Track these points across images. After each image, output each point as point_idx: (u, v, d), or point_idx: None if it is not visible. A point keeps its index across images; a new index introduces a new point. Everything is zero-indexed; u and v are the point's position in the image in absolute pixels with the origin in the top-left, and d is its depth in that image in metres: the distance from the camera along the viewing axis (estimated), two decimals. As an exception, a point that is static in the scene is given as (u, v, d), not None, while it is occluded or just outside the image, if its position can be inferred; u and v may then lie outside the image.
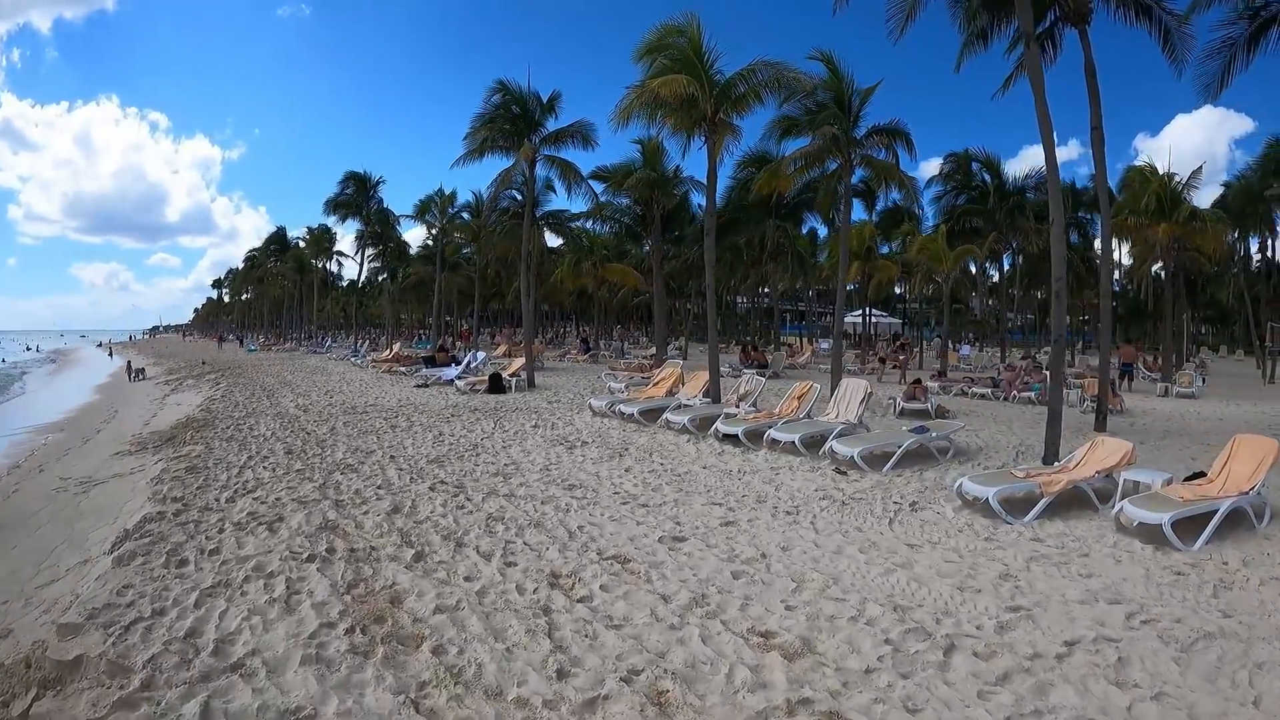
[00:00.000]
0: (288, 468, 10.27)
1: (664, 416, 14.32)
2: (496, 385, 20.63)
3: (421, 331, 70.03)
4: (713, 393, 16.40)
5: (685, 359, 32.45)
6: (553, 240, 40.82)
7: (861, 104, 20.07)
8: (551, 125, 22.47)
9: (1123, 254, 43.93)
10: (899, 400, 16.95)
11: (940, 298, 41.61)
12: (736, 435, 12.51)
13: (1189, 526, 7.15)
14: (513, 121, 22.02)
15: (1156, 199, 29.21)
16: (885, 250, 40.05)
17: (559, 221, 35.55)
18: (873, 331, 68.57)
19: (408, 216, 37.16)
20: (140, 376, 31.28)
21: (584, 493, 9.07)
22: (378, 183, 43.44)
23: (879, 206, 38.01)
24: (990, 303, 57.79)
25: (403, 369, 26.74)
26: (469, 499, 8.57)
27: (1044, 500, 8.30)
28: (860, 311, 64.58)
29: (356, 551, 6.44)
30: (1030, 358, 32.62)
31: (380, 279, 56.75)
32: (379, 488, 9.09)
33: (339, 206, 42.87)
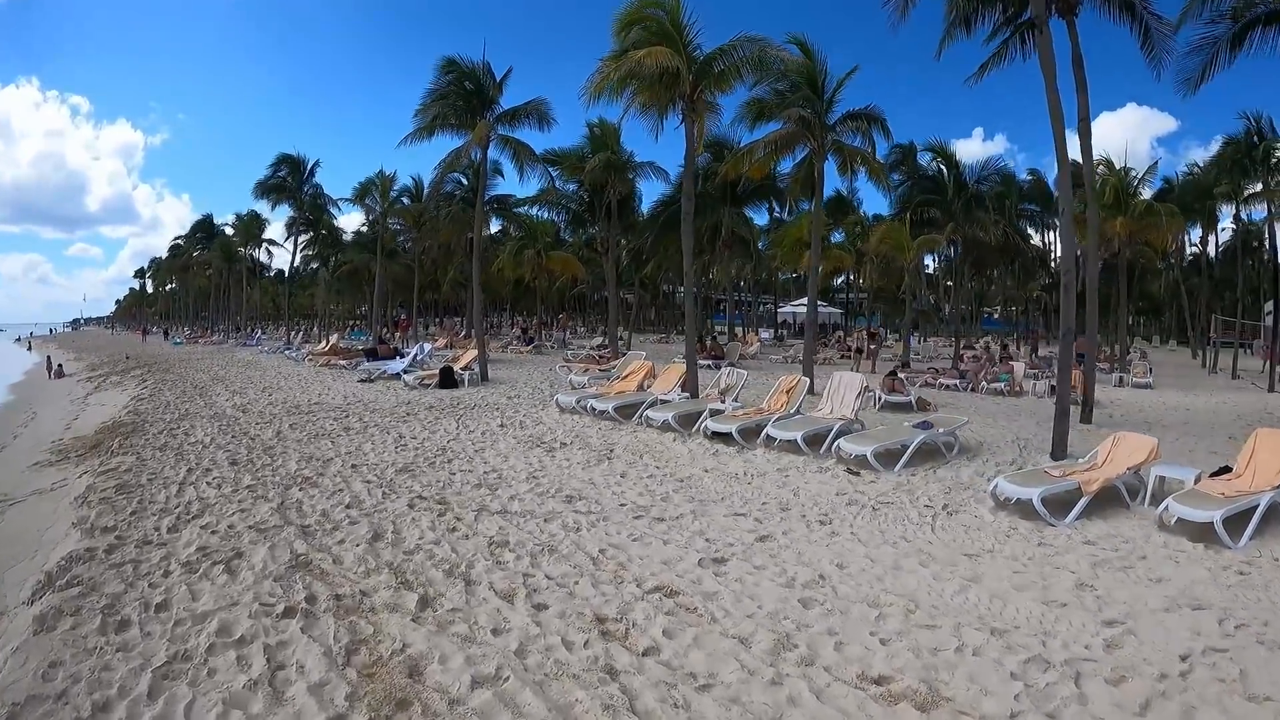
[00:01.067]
0: (236, 483, 8.86)
1: (643, 413, 13.29)
2: (448, 380, 19.27)
3: (354, 323, 67.35)
4: (690, 387, 15.44)
5: (627, 350, 31.52)
6: (493, 225, 39.26)
7: (836, 89, 19.52)
8: (505, 104, 21.10)
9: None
10: (879, 393, 16.22)
11: (887, 289, 41.60)
12: (728, 433, 11.59)
13: (1230, 523, 6.96)
14: (466, 98, 20.56)
15: (1114, 193, 29.71)
16: (836, 239, 39.58)
17: (505, 207, 33.94)
18: (791, 321, 68.95)
19: (346, 200, 34.95)
20: (60, 373, 28.68)
21: (587, 505, 7.98)
22: (313, 166, 40.99)
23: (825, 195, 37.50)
24: (929, 294, 58.24)
25: (343, 363, 24.97)
26: (459, 519, 7.37)
27: (1084, 500, 7.90)
28: (797, 302, 64.75)
29: (344, 599, 5.18)
30: (1003, 346, 32.64)
31: (313, 268, 54.00)
32: (348, 507, 7.80)
33: (270, 190, 40.13)
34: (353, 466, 9.89)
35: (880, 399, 16.07)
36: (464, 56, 20.58)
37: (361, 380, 20.69)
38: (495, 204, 33.29)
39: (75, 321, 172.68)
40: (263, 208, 45.31)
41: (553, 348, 36.88)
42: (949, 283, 47.68)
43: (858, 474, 9.63)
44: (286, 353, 33.20)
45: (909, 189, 31.90)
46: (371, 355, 25.47)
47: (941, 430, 11.10)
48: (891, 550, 6.54)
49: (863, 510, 7.90)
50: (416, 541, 6.58)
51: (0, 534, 7.67)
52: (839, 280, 59.54)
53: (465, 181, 31.52)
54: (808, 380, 14.11)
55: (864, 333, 35.01)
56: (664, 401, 14.15)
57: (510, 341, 38.30)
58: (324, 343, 32.83)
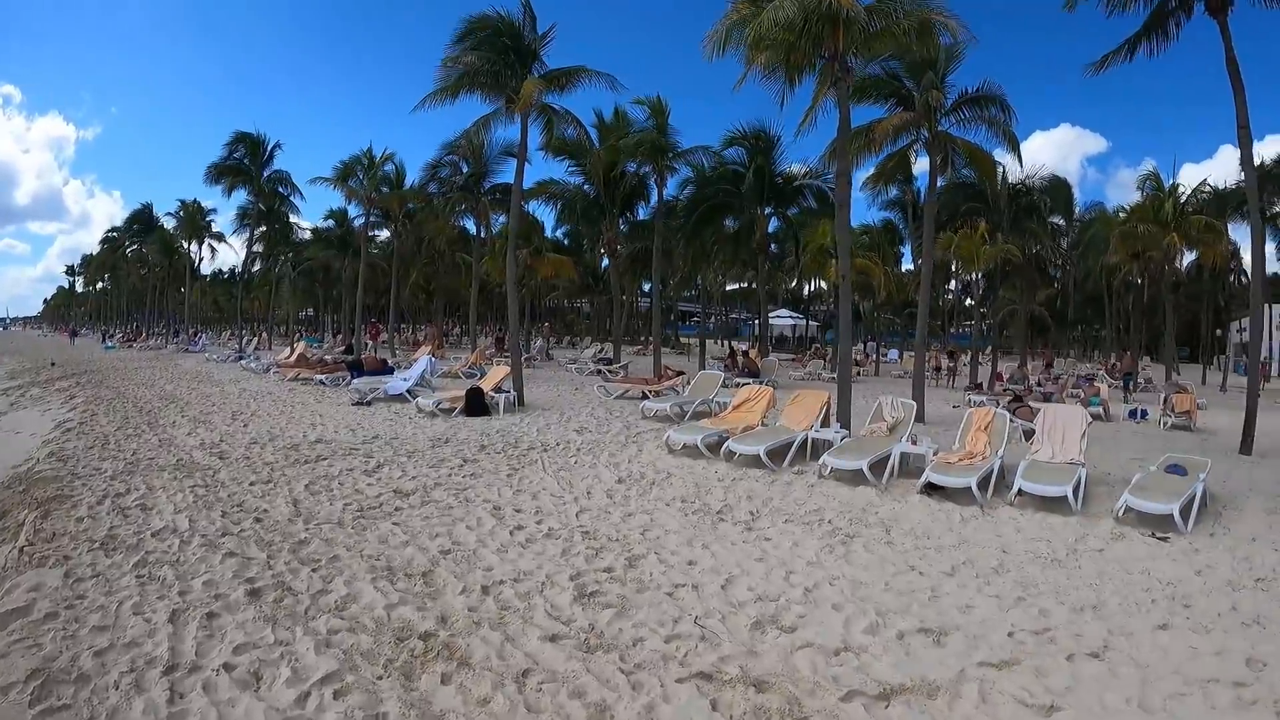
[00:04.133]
0: (282, 655, 4.54)
1: (825, 460, 9.47)
2: (477, 405, 14.91)
3: (299, 329, 61.20)
4: (842, 417, 11.55)
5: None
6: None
7: (947, 68, 15.94)
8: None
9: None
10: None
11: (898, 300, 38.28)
12: (965, 487, 8.24)
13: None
14: (502, 53, 16.25)
15: (1172, 208, 27.82)
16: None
17: (508, 197, 29.28)
18: (792, 334, 65.48)
19: (325, 181, 29.66)
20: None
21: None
22: (273, 148, 35.62)
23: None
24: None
25: (320, 377, 20.14)
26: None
27: None
28: (780, 313, 61.45)
29: None
30: (1117, 365, 29.78)
31: (262, 267, 48.08)
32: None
33: (225, 173, 34.62)
34: (482, 592, 5.57)
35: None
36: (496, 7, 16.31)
37: (355, 403, 16.12)
38: (497, 194, 28.69)
39: (0, 321, 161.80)
40: (214, 195, 39.64)
41: (540, 360, 32.25)
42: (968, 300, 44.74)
43: (1165, 539, 7.03)
44: (243, 362, 28.06)
45: (955, 194, 28.72)
46: (356, 369, 20.75)
47: (1202, 475, 8.33)
48: None
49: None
50: None
51: None
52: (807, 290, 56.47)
53: (465, 166, 26.99)
54: (1005, 414, 10.48)
55: (942, 352, 31.53)
56: (838, 443, 10.30)
57: (485, 350, 33.26)
58: (288, 351, 27.76)
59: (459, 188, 27.64)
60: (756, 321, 63.85)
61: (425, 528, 7.19)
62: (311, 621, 4.98)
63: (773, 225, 31.05)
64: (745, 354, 27.55)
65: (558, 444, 11.84)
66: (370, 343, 35.77)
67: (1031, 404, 15.07)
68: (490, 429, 13.28)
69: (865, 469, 8.91)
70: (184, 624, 4.89)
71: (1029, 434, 10.91)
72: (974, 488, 8.10)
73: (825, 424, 11.26)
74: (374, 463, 10.15)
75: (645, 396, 17.51)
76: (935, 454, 9.30)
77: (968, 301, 47.72)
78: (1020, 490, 8.17)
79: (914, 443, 9.84)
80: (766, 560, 6.27)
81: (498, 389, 15.86)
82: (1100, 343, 57.45)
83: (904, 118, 15.74)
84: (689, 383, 17.76)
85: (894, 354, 42.90)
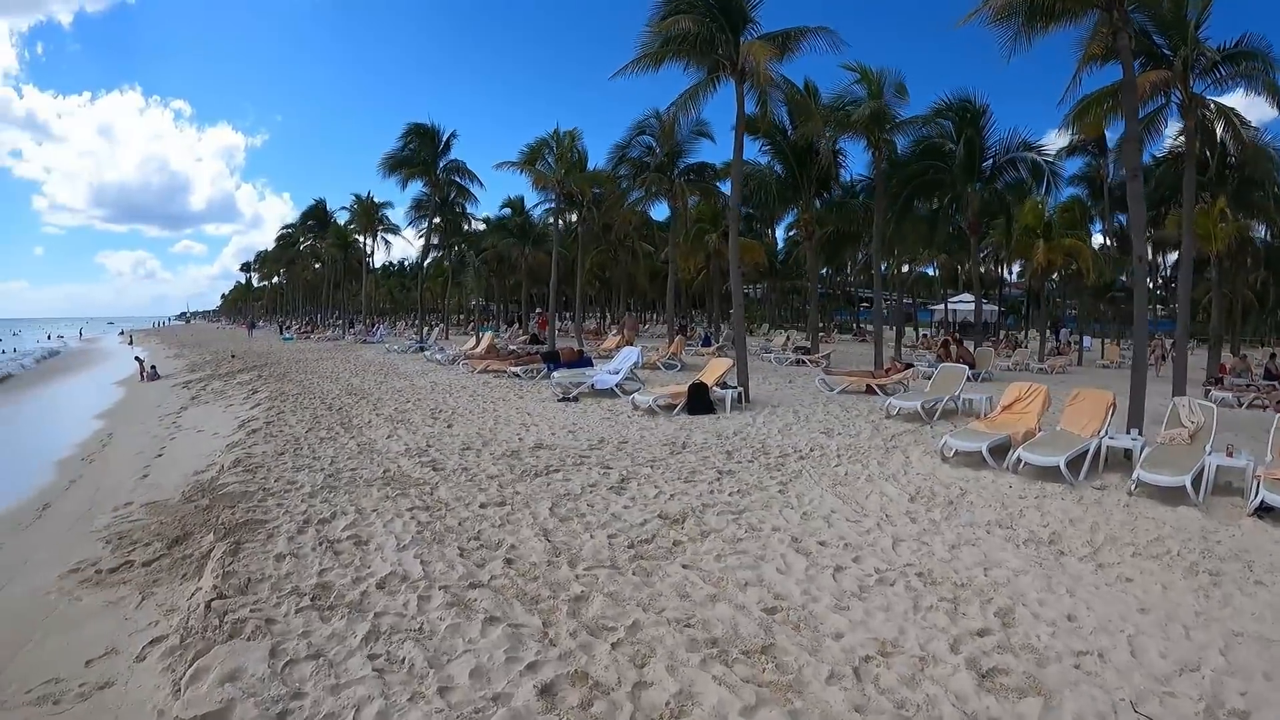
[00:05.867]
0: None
1: (1140, 475, 7.76)
2: (701, 402, 12.94)
3: (489, 318, 61.49)
4: (1136, 420, 10.12)
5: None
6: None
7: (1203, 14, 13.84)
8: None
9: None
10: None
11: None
12: None
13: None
14: (708, 15, 14.33)
15: None
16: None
17: (705, 179, 27.32)
18: (975, 320, 59.94)
19: (510, 165, 28.52)
20: (154, 375, 23.49)
21: None
22: (449, 138, 34.95)
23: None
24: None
25: (516, 370, 18.82)
26: None
27: None
28: (962, 298, 56.39)
29: None
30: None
31: (437, 257, 48.20)
32: None
33: (399, 165, 34.42)
34: (855, 677, 3.99)
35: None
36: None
37: (561, 399, 14.45)
38: (691, 174, 26.67)
39: (183, 315, 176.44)
40: (389, 189, 39.88)
41: (730, 348, 29.99)
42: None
43: None
44: (425, 354, 27.54)
45: (1165, 166, 24.45)
46: (552, 360, 19.24)
47: None
48: None
49: None
50: None
51: None
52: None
53: (656, 146, 25.16)
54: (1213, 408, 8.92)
55: (1161, 340, 27.08)
56: (1120, 450, 8.99)
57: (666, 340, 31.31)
58: (473, 341, 26.82)
59: (652, 169, 25.72)
60: (932, 308, 59.43)
61: (725, 572, 5.48)
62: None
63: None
64: (960, 343, 24.22)
65: (811, 449, 10.08)
66: (539, 332, 34.74)
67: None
68: (725, 430, 11.41)
69: (1189, 486, 7.39)
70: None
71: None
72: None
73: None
74: (615, 475, 8.38)
75: (871, 391, 15.83)
76: (1256, 468, 7.71)
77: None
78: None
79: (1229, 454, 8.04)
80: (1151, 611, 4.90)
81: (722, 384, 13.77)
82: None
83: (1160, 75, 13.42)
84: (926, 377, 15.94)
85: (1087, 341, 38.02)
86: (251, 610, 4.65)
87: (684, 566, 5.53)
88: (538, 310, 46.12)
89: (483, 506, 7.01)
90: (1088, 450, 8.68)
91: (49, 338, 72.66)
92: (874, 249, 22.51)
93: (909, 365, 18.82)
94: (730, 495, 7.59)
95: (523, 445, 10.05)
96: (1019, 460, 8.57)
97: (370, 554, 5.69)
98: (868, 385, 16.14)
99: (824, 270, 52.58)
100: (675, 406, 12.95)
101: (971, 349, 21.99)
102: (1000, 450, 8.99)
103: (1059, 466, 8.13)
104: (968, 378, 13.79)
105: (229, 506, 7.04)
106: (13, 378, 27.74)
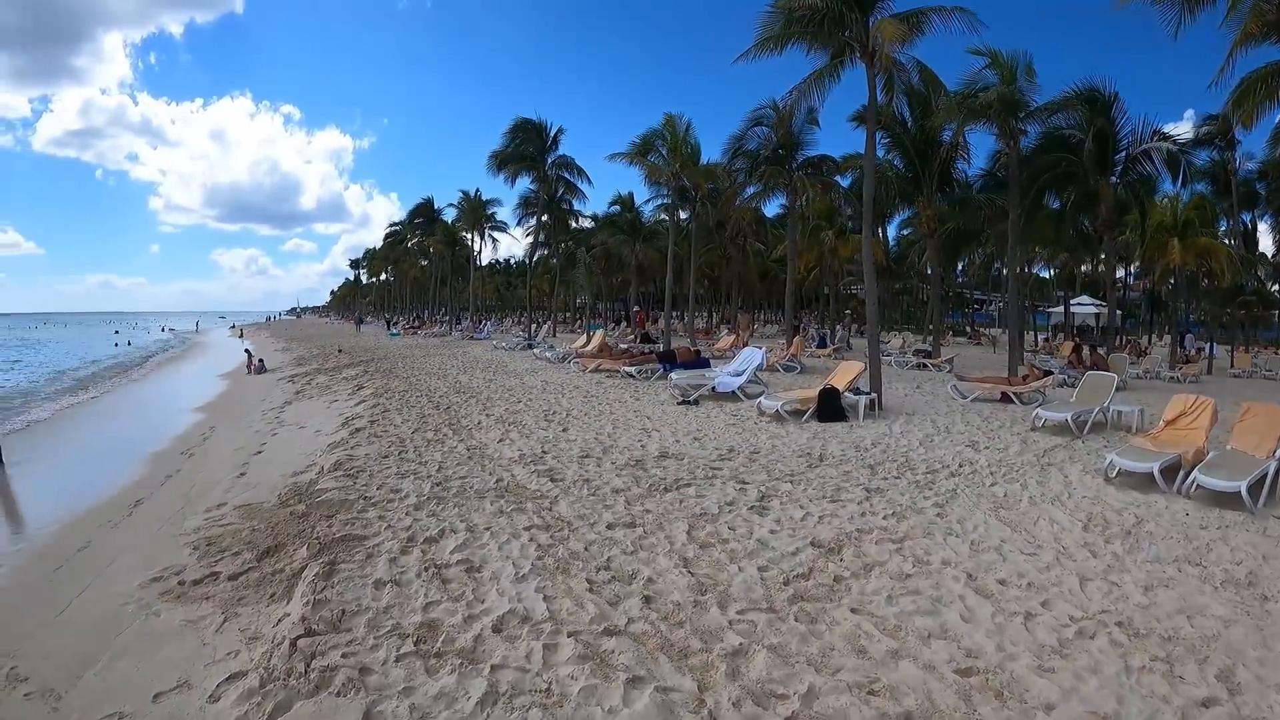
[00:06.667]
0: None
1: None
2: (832, 408, 11.86)
3: (602, 315, 61.34)
4: None
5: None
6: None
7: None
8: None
9: None
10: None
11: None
12: None
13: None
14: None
15: None
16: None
17: (820, 173, 25.88)
18: (1095, 323, 56.16)
19: (621, 157, 27.88)
20: (261, 369, 23.93)
21: None
22: (556, 134, 34.73)
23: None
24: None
25: (630, 369, 18.12)
26: None
27: None
28: (1081, 300, 52.62)
29: None
30: None
31: (559, 251, 48.07)
32: None
33: (508, 161, 34.38)
34: None
35: None
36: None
37: (680, 402, 13.61)
38: (809, 168, 25.33)
39: (294, 310, 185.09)
40: (496, 187, 40.02)
41: (845, 350, 28.49)
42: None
43: None
44: (534, 351, 27.23)
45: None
46: (668, 360, 18.39)
47: None
48: None
49: None
50: None
51: None
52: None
53: (771, 132, 23.95)
54: None
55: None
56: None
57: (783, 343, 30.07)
58: (583, 339, 26.25)
59: (770, 161, 24.51)
60: (1049, 310, 55.94)
61: (901, 619, 4.60)
62: None
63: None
64: (1094, 349, 22.02)
65: (960, 465, 9.01)
66: (634, 330, 34.09)
67: None
68: (861, 441, 10.39)
69: None
70: None
71: None
72: None
73: None
74: (753, 492, 7.50)
75: (1006, 399, 14.73)
76: None
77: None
78: None
79: None
80: None
81: (854, 389, 12.62)
82: None
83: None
84: (1072, 385, 15.07)
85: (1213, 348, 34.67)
86: (344, 655, 4.02)
87: (853, 611, 4.65)
88: (636, 307, 45.30)
89: (610, 527, 6.26)
90: (1267, 473, 7.67)
91: (163, 330, 77.14)
92: (1010, 245, 20.66)
93: (1047, 372, 17.19)
94: (885, 519, 6.64)
95: (646, 454, 9.29)
96: (1193, 483, 7.61)
97: (484, 584, 5.00)
98: (1003, 393, 14.83)
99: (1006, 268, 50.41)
100: (804, 412, 11.98)
101: (1126, 358, 20.03)
102: (1169, 471, 8.01)
103: (1240, 492, 7.17)
104: (1116, 387, 12.30)
105: (326, 516, 6.55)
106: (123, 368, 28.90)
